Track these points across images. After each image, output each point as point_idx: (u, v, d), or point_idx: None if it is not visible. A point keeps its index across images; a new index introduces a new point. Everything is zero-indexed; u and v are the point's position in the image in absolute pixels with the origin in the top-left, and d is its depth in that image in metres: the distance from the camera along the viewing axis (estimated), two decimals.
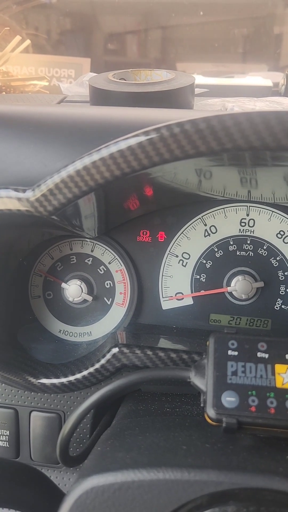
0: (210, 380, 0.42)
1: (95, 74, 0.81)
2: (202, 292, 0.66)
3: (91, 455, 0.42)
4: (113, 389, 0.44)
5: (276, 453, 0.39)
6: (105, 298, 0.68)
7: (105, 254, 0.68)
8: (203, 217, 0.66)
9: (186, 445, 0.40)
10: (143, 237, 0.67)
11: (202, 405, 0.42)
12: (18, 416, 0.59)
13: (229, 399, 0.40)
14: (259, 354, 0.43)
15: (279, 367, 0.42)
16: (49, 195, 0.41)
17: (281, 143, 0.35)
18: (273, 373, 0.41)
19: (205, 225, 0.66)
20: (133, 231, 0.67)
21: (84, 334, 0.69)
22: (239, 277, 0.64)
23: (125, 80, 0.66)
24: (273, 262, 0.65)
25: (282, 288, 0.65)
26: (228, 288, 0.65)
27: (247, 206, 0.66)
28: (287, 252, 0.65)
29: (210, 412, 0.40)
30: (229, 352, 0.43)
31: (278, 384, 0.41)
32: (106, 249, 0.68)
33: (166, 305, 0.67)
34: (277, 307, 0.66)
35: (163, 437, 0.43)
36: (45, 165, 0.44)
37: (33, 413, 0.59)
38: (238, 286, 0.64)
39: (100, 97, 0.59)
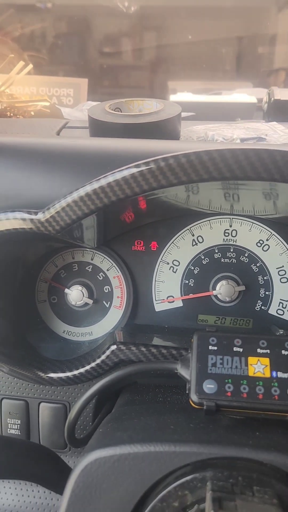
0: (193, 371, 0.49)
1: (94, 103, 0.89)
2: (191, 295, 0.74)
3: (94, 436, 0.50)
4: (112, 379, 0.52)
5: (248, 431, 0.47)
6: (104, 302, 0.76)
7: (104, 262, 0.76)
8: (191, 228, 0.74)
9: (173, 425, 0.48)
10: (138, 246, 0.75)
11: (187, 392, 0.50)
12: (28, 407, 0.67)
13: (209, 386, 0.48)
14: (235, 349, 0.50)
15: (251, 359, 0.49)
16: (57, 217, 0.49)
17: (236, 176, 0.43)
18: (246, 364, 0.49)
19: (193, 235, 0.74)
20: (129, 241, 0.75)
21: (86, 334, 0.76)
22: (223, 282, 0.72)
23: (120, 110, 0.73)
24: (253, 268, 0.73)
25: (262, 291, 0.73)
26: (213, 291, 0.72)
27: (230, 218, 0.73)
28: (266, 259, 0.73)
29: (193, 397, 0.48)
30: (210, 347, 0.51)
31: (250, 373, 0.49)
32: (104, 257, 0.75)
33: (158, 307, 0.75)
34: (257, 308, 0.73)
35: (154, 420, 0.51)
36: (52, 190, 0.52)
37: (42, 404, 0.66)
38: (223, 290, 0.72)
39: (98, 127, 0.67)
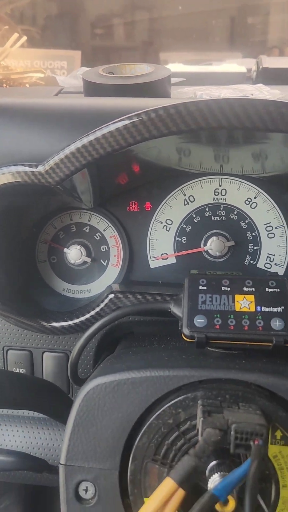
0: (185, 309, 0.54)
1: (87, 68, 0.92)
2: (183, 252, 0.78)
3: (95, 370, 0.55)
4: (110, 319, 0.56)
5: (235, 359, 0.51)
6: (101, 260, 0.80)
7: (100, 223, 0.79)
8: (182, 188, 0.78)
9: (168, 357, 0.53)
10: (132, 207, 0.79)
11: (180, 328, 0.54)
12: (32, 356, 0.71)
13: (199, 321, 0.52)
14: (223, 288, 0.55)
15: (238, 296, 0.54)
16: (56, 168, 0.52)
17: (221, 124, 0.47)
18: (233, 301, 0.54)
19: (185, 195, 0.78)
20: (124, 202, 0.78)
21: (85, 291, 0.80)
22: (214, 238, 0.76)
23: (113, 73, 0.77)
24: (242, 225, 0.77)
25: (250, 247, 0.77)
26: (204, 247, 0.77)
27: (219, 178, 0.77)
28: (254, 216, 0.77)
29: (185, 331, 0.52)
30: (200, 287, 0.55)
31: (237, 309, 0.53)
32: (101, 218, 0.79)
33: (153, 264, 0.79)
34: (246, 263, 0.78)
35: (150, 355, 0.55)
36: (51, 145, 0.55)
37: (45, 354, 0.71)
38: (213, 246, 0.76)
39: (92, 89, 0.70)
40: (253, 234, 0.77)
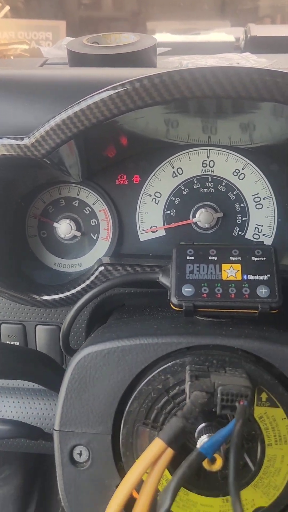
0: (173, 278, 0.55)
1: (72, 38, 0.90)
2: (173, 224, 0.79)
3: (87, 340, 0.56)
4: (100, 290, 0.57)
5: (222, 326, 0.53)
6: (91, 234, 0.80)
7: (89, 197, 0.79)
8: (170, 160, 0.78)
9: (157, 325, 0.54)
10: (121, 180, 0.79)
11: (168, 298, 0.55)
12: (25, 330, 0.73)
13: (187, 290, 0.54)
14: (210, 257, 0.56)
15: (224, 266, 0.55)
16: (41, 141, 0.52)
17: (205, 93, 0.47)
18: (220, 270, 0.55)
19: (173, 167, 0.78)
20: (112, 175, 0.78)
21: (76, 265, 0.81)
22: (202, 210, 0.77)
23: (97, 43, 0.75)
24: (230, 196, 0.78)
25: (239, 218, 0.78)
26: (193, 219, 0.77)
27: (207, 149, 0.77)
28: (242, 187, 0.77)
29: (174, 300, 0.53)
30: (188, 257, 0.56)
31: (224, 277, 0.54)
32: (90, 192, 0.79)
33: (143, 237, 0.80)
34: (235, 234, 0.78)
35: (140, 324, 0.57)
36: (36, 118, 0.55)
37: (38, 327, 0.72)
38: (202, 217, 0.77)
39: (77, 59, 0.69)
40: (241, 205, 0.77)
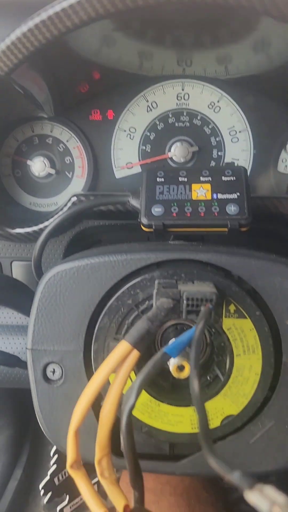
0: (143, 200, 0.54)
1: None
2: (148, 160, 0.78)
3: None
4: (70, 213, 0.57)
5: (192, 245, 0.53)
6: (66, 172, 0.79)
7: (63, 134, 0.78)
8: (145, 94, 0.76)
9: (127, 245, 0.54)
10: (95, 116, 0.77)
11: (139, 220, 0.55)
12: (1, 266, 0.72)
13: (157, 210, 0.53)
14: (180, 179, 0.55)
15: (194, 186, 0.55)
16: (3, 57, 0.50)
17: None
18: (190, 190, 0.54)
19: (147, 101, 0.76)
20: (85, 111, 0.77)
21: (51, 204, 0.80)
22: (178, 144, 0.76)
23: None
24: (206, 130, 0.77)
25: (214, 152, 0.77)
26: (169, 153, 0.76)
27: (182, 81, 0.76)
28: (217, 121, 0.76)
29: (144, 220, 0.53)
30: (158, 179, 0.56)
31: (194, 197, 0.54)
32: (63, 129, 0.78)
33: (118, 174, 0.79)
34: None
35: (112, 247, 0.56)
36: None
37: (14, 263, 0.72)
38: (177, 151, 0.76)
39: None
40: (217, 139, 0.77)
